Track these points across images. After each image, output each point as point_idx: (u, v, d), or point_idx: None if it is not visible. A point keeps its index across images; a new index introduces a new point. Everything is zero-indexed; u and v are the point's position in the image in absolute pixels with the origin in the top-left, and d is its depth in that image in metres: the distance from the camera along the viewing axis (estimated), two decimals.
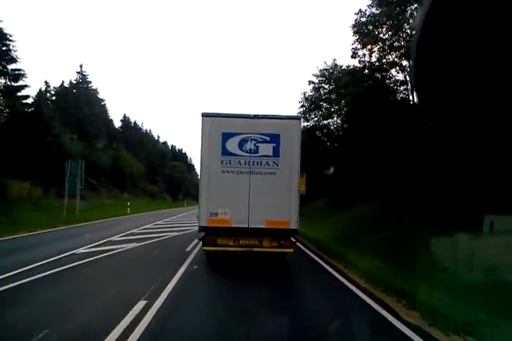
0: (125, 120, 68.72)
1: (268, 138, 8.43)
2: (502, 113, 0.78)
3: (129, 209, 30.61)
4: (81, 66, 54.98)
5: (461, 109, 0.80)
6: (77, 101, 52.64)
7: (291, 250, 8.61)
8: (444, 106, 0.82)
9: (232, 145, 8.41)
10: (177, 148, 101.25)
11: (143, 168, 52.02)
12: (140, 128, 72.24)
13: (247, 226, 8.26)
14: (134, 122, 71.35)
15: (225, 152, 8.41)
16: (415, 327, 5.02)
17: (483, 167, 0.94)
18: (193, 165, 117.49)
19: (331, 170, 20.85)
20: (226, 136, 8.42)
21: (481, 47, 0.72)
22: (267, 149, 8.44)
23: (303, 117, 22.75)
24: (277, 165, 8.41)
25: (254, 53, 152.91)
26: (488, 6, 0.69)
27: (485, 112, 0.79)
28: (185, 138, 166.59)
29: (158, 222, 21.76)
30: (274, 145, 8.44)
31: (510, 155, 0.86)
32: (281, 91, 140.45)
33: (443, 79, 0.78)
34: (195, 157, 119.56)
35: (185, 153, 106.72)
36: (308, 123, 23.68)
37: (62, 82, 53.55)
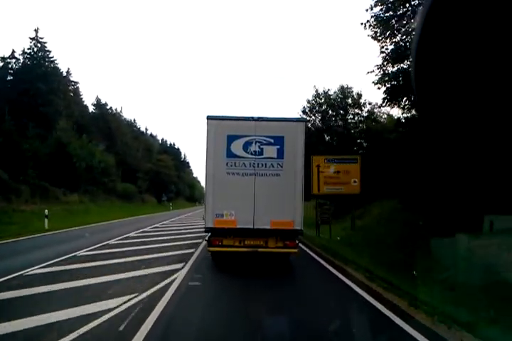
0: (98, 104, 55.41)
1: (272, 140, 8.34)
2: (502, 113, 0.76)
3: (46, 221, 17.23)
4: (36, 31, 41.38)
5: (461, 110, 0.79)
6: (30, 74, 39.47)
7: (296, 250, 8.65)
8: (444, 107, 0.80)
9: (236, 147, 8.31)
10: (169, 142, 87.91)
11: (113, 160, 38.80)
12: (118, 116, 58.91)
13: (252, 227, 8.19)
14: (113, 109, 58.07)
15: (230, 154, 8.31)
16: None
17: (483, 167, 0.93)
18: (188, 163, 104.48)
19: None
20: (231, 139, 8.32)
21: (483, 47, 0.70)
22: (271, 151, 8.35)
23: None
24: (282, 166, 8.32)
25: (255, 54, 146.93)
26: (489, 6, 0.67)
27: (485, 112, 0.77)
28: (183, 137, 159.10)
29: (30, 271, 8.34)
30: (279, 147, 8.33)
31: (510, 155, 0.85)
32: (283, 94, 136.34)
33: (443, 79, 0.76)
34: (190, 155, 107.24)
35: (178, 149, 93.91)
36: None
37: (13, 51, 40.21)
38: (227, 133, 8.34)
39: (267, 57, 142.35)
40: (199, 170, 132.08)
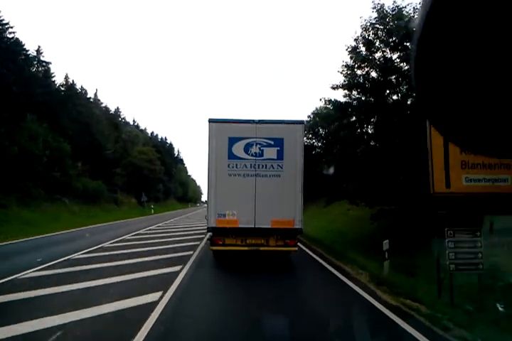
0: (67, 84, 45.14)
1: (272, 142, 8.37)
2: (503, 115, 0.74)
3: None
4: None
5: (462, 110, 0.77)
6: None
7: (296, 248, 8.69)
8: (445, 107, 0.79)
9: (238, 149, 8.35)
10: (160, 136, 77.97)
11: (68, 148, 28.13)
12: (94, 100, 48.77)
13: (253, 226, 8.22)
14: (87, 91, 47.94)
15: (232, 156, 8.35)
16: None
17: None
18: (182, 159, 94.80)
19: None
20: (232, 141, 8.36)
21: (485, 46, 0.67)
22: (271, 152, 8.37)
23: None
24: (281, 167, 8.37)
25: (255, 53, 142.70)
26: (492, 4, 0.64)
27: (485, 114, 0.76)
28: (180, 136, 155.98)
29: None
30: (278, 148, 8.37)
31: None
32: (282, 95, 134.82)
33: (444, 78, 0.74)
34: (187, 154, 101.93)
35: (170, 144, 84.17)
36: None
37: None
38: (229, 135, 8.36)
39: (266, 57, 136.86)
40: (195, 169, 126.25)
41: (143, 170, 43.26)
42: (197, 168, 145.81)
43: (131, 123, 67.35)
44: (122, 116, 62.02)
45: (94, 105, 46.67)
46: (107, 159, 41.58)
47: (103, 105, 51.77)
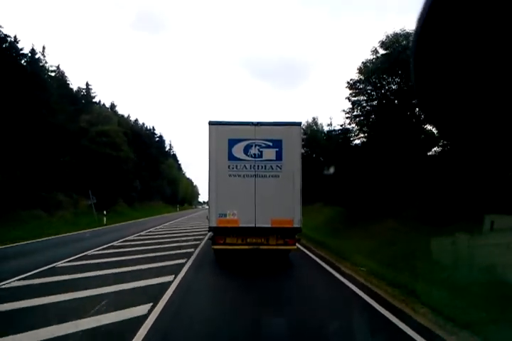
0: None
1: (271, 144, 8.44)
2: (502, 116, 0.72)
3: None
4: None
5: (462, 112, 0.75)
6: None
7: (295, 247, 8.75)
8: (445, 109, 0.76)
9: (237, 150, 8.40)
10: (147, 125, 63.36)
11: None
12: (39, 59, 34.47)
13: (254, 225, 8.28)
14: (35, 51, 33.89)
15: (232, 157, 8.41)
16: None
17: (483, 169, 1.26)
18: (174, 155, 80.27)
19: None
20: (232, 142, 8.42)
21: (484, 47, 0.66)
22: (270, 154, 8.44)
23: None
24: (280, 168, 8.45)
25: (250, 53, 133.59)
26: (491, 7, 0.63)
27: (485, 115, 0.74)
28: (183, 138, 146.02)
29: None
30: (277, 149, 8.44)
31: (509, 158, 0.80)
32: (280, 98, 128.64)
33: (444, 79, 0.72)
34: (186, 155, 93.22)
35: (161, 136, 70.05)
36: None
37: None
38: (228, 137, 8.39)
39: (265, 57, 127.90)
40: (194, 171, 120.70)
41: (103, 158, 29.07)
42: (196, 169, 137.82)
43: (109, 106, 52.69)
44: (94, 95, 47.44)
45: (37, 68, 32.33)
46: (47, 141, 27.22)
47: (51, 68, 37.10)
